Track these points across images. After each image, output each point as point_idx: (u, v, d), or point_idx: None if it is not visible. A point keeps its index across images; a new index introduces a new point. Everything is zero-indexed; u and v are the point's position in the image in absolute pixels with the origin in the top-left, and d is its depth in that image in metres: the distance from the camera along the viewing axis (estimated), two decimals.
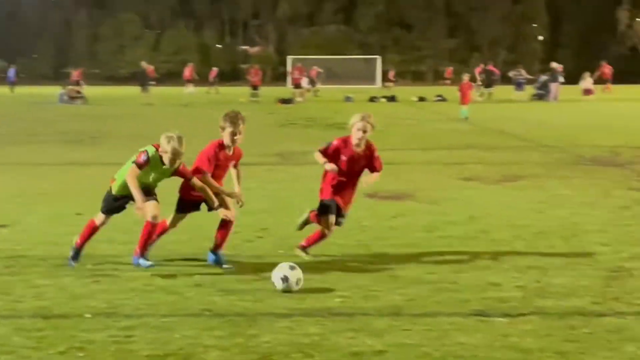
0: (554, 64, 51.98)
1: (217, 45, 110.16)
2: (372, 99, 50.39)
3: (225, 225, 8.75)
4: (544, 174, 16.34)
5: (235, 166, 8.96)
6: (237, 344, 6.13)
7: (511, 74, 56.52)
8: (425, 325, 6.64)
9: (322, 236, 9.08)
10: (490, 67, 54.45)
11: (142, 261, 8.58)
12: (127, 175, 8.42)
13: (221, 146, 8.72)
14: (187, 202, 8.82)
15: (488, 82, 52.23)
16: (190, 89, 53.11)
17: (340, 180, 8.99)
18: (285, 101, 47.12)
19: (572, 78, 57.58)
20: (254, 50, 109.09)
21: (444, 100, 48.69)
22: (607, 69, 57.84)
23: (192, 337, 6.31)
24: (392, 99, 50.97)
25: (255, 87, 50.89)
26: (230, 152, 8.76)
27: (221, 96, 58.65)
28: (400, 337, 6.35)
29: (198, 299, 7.42)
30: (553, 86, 50.48)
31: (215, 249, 8.79)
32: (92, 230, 8.73)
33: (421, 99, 50.84)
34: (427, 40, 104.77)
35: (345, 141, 8.99)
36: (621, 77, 67.97)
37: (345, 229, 10.64)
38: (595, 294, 7.58)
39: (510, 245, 9.71)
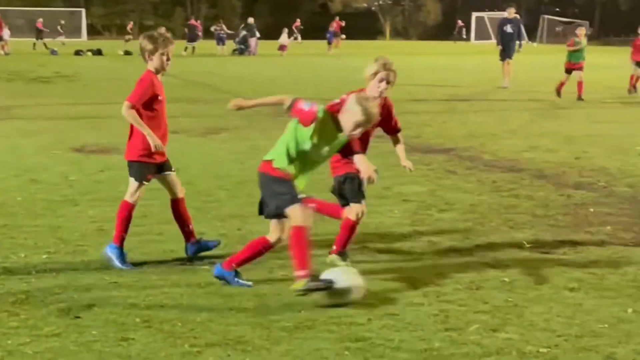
0: (250, 20, 52.86)
1: None
2: (78, 53, 48.74)
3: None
4: (245, 125, 16.62)
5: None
6: None
7: (212, 28, 56.77)
8: (133, 277, 6.58)
9: (353, 228, 6.97)
10: (193, 22, 54.32)
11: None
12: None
13: (152, 74, 6.96)
14: (149, 165, 7.01)
15: (191, 37, 52.08)
16: None
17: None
18: None
19: (269, 33, 58.80)
20: None
21: None
22: (337, 24, 60.21)
23: None
24: (98, 52, 49.58)
25: None
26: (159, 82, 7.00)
27: None
28: (107, 290, 6.25)
29: None
30: (252, 41, 51.38)
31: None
32: (265, 248, 6.37)
33: (127, 53, 49.83)
34: None
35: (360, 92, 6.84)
36: (312, 32, 70.31)
37: (51, 184, 10.32)
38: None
39: (214, 196, 9.82)
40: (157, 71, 7.02)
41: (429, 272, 6.75)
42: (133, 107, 6.81)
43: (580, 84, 22.43)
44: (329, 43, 55.83)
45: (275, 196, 6.13)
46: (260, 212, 6.41)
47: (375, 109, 6.17)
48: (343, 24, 61.74)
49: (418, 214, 8.95)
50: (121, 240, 6.97)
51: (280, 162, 6.14)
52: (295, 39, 60.37)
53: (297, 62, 42.75)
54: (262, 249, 6.36)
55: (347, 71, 35.75)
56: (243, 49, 51.57)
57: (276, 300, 6.02)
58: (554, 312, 5.81)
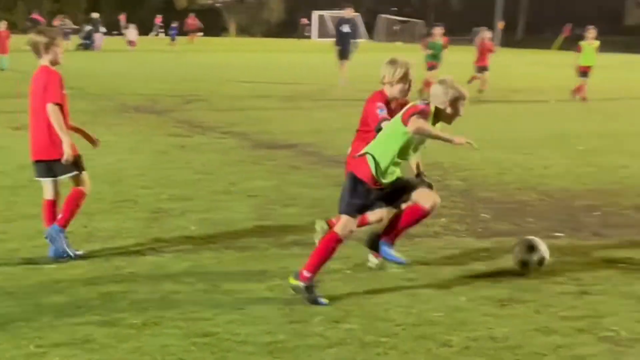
0: (94, 14, 51.67)
1: None
2: None
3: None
4: (91, 121, 16.16)
5: None
6: None
7: (56, 23, 55.01)
8: None
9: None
10: (35, 16, 52.45)
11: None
12: (416, 126, 5.81)
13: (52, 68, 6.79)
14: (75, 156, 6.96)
15: None
16: None
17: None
18: None
19: (115, 28, 57.64)
20: None
21: None
22: (191, 20, 59.90)
23: None
24: None
25: None
26: None
27: None
28: None
29: None
30: (97, 36, 50.18)
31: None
32: (333, 248, 6.01)
33: None
34: None
35: (382, 94, 6.83)
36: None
37: None
38: (137, 235, 7.72)
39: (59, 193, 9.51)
40: (52, 64, 6.85)
41: (274, 266, 6.78)
42: (59, 105, 6.68)
43: (429, 83, 22.55)
44: (172, 39, 55.77)
45: (347, 199, 6.06)
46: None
47: (462, 88, 6.09)
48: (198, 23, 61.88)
49: (263, 209, 8.97)
50: (66, 224, 6.93)
51: (377, 156, 6.03)
52: (157, 34, 59.90)
53: (142, 57, 41.95)
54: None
55: (192, 67, 35.46)
56: (88, 44, 50.24)
57: (123, 298, 5.90)
58: (393, 302, 5.95)
